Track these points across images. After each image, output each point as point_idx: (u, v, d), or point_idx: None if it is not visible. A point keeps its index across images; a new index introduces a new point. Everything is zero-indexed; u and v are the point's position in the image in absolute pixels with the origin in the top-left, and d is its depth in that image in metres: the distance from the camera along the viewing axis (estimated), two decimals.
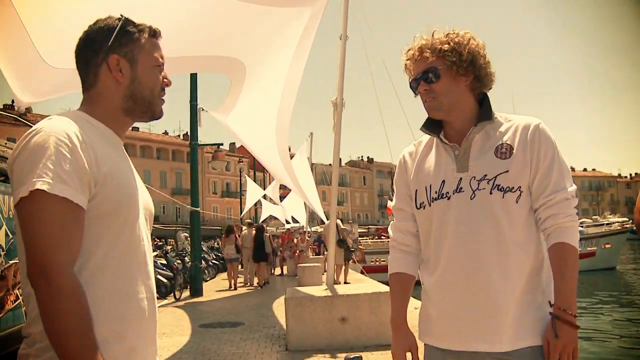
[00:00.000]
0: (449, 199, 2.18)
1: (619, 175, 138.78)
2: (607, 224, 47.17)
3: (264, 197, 34.73)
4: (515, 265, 2.09)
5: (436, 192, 2.22)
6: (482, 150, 2.19)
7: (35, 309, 1.58)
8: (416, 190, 2.31)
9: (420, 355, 2.34)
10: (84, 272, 1.61)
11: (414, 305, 9.76)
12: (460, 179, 2.17)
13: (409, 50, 2.31)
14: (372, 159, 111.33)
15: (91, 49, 1.86)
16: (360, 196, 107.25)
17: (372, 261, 31.53)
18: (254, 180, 37.13)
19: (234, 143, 77.02)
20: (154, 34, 1.95)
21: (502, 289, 2.07)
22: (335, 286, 8.27)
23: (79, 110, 1.86)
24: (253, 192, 33.44)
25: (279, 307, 11.89)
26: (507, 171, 2.12)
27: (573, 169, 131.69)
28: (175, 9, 5.06)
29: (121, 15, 1.90)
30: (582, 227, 47.75)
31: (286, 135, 10.91)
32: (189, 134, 16.62)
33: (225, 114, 10.45)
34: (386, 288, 7.59)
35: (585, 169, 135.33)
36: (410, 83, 2.33)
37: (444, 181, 2.19)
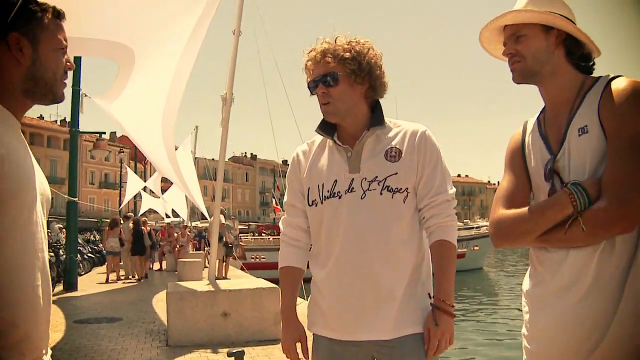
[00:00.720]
0: (340, 197, 2.28)
1: (489, 182, 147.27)
2: (477, 227, 50.02)
3: (144, 189, 33.84)
4: (400, 261, 2.26)
5: (328, 191, 2.32)
6: (372, 153, 2.32)
7: None
8: (309, 188, 2.40)
9: (309, 345, 2.44)
10: None
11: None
12: (352, 179, 2.28)
13: (311, 51, 2.37)
14: (256, 155, 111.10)
15: None
16: (242, 192, 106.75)
17: (252, 258, 31.60)
18: (135, 172, 36.06)
19: (114, 132, 74.20)
20: (58, 15, 1.87)
21: (387, 283, 2.24)
22: (218, 281, 8.22)
23: None
24: (133, 183, 32.51)
25: (158, 303, 11.66)
26: (396, 173, 2.27)
27: None
28: None
29: None
30: None
31: (172, 128, 10.69)
32: (66, 119, 15.90)
33: (109, 102, 10.08)
34: (268, 284, 7.66)
35: (459, 175, 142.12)
36: (308, 83, 2.39)
37: (336, 181, 2.29)
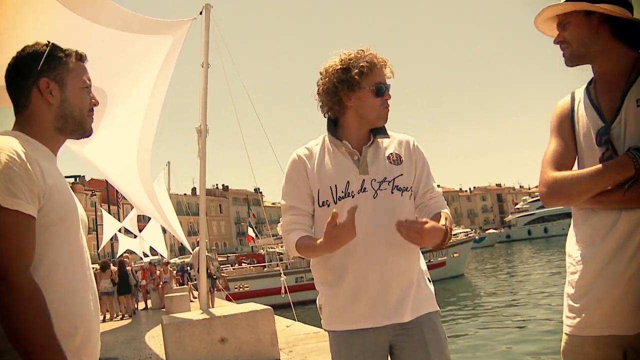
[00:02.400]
0: (353, 197, 2.49)
1: (460, 189, 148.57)
2: (454, 234, 50.39)
3: (120, 230, 33.63)
4: (411, 251, 2.55)
5: (342, 192, 2.51)
6: (376, 158, 2.58)
7: None
8: (319, 190, 2.56)
9: (328, 344, 2.63)
10: (35, 276, 1.72)
11: (285, 324, 9.97)
12: (363, 180, 2.51)
13: (382, 58, 2.60)
14: (227, 186, 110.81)
15: (21, 74, 1.98)
16: (217, 225, 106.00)
17: (236, 288, 31.49)
18: (109, 213, 35.83)
19: (83, 176, 73.57)
20: (81, 57, 2.10)
21: (407, 271, 2.53)
22: (211, 309, 8.29)
23: (14, 130, 1.97)
24: (109, 225, 32.32)
25: (151, 339, 11.65)
26: (402, 174, 2.56)
27: None
28: (34, 33, 4.94)
29: (48, 41, 2.02)
30: None
31: (148, 164, 10.80)
32: None
33: (82, 145, 10.15)
34: (260, 306, 7.75)
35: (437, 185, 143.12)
36: (381, 85, 2.57)
37: (348, 182, 2.50)
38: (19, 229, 1.71)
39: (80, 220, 2.01)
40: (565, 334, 2.30)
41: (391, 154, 2.61)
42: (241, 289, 31.58)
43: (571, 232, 2.36)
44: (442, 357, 2.51)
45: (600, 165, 2.14)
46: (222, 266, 32.84)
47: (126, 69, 7.79)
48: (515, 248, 69.86)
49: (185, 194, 65.14)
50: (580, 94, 2.39)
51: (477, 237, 46.79)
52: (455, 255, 38.59)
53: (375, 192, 2.51)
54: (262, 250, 43.07)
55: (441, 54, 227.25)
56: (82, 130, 2.09)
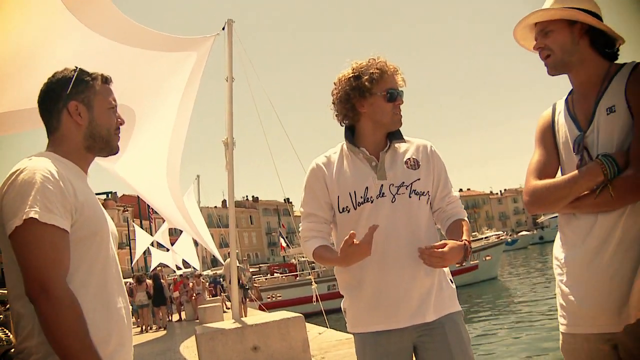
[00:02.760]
0: (372, 202, 2.56)
1: (491, 192, 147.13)
2: (485, 237, 50.02)
3: (152, 244, 34.01)
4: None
5: (361, 197, 2.59)
6: (393, 163, 2.65)
7: (27, 326, 1.86)
8: (338, 196, 2.64)
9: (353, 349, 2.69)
10: (70, 287, 1.86)
11: (317, 331, 10.03)
12: (382, 185, 2.57)
13: (392, 65, 2.68)
14: (257, 197, 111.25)
15: (52, 99, 2.15)
16: (248, 236, 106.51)
17: (269, 298, 31.65)
18: (141, 227, 36.28)
19: (115, 193, 74.62)
20: (106, 80, 2.26)
21: (428, 275, 2.57)
22: (243, 318, 8.42)
23: (47, 151, 2.14)
24: (142, 240, 32.71)
25: (186, 350, 11.81)
26: (419, 179, 2.62)
27: None
28: (63, 56, 5.11)
29: (76, 67, 2.19)
30: None
31: (177, 178, 10.98)
32: None
33: (113, 162, 10.39)
34: (292, 314, 7.85)
35: (461, 189, 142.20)
36: (393, 90, 2.65)
37: (367, 187, 2.56)
38: (56, 242, 1.85)
39: (110, 233, 2.14)
40: (561, 332, 2.42)
41: (409, 159, 2.67)
42: (274, 299, 31.75)
43: (558, 236, 2.50)
44: (465, 357, 2.54)
45: (574, 173, 2.29)
46: (254, 277, 33.06)
47: (153, 86, 7.97)
48: (548, 249, 68.29)
49: (215, 207, 65.53)
50: (560, 105, 2.53)
51: (509, 240, 46.49)
52: (487, 258, 38.23)
53: (394, 196, 2.57)
54: (293, 260, 43.11)
55: (472, 53, 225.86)
56: (110, 148, 2.25)
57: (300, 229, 2.76)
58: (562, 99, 2.55)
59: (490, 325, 19.84)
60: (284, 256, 59.54)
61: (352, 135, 2.74)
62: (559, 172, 2.48)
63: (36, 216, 1.82)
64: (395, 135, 2.70)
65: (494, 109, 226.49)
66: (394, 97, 2.63)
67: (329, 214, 2.69)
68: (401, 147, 2.71)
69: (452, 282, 2.71)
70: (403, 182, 2.60)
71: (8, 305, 12.99)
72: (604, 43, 2.38)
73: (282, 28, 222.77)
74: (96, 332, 1.89)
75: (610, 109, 2.26)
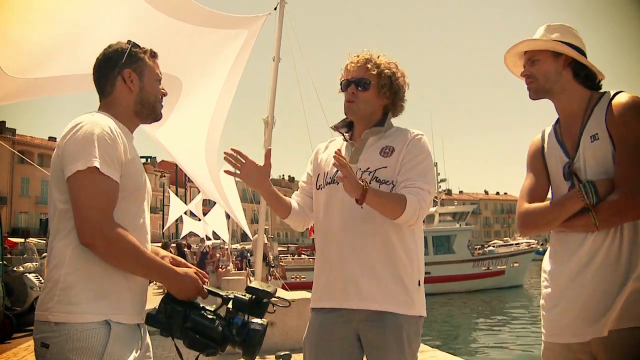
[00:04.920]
0: (337, 184, 2.65)
1: None
2: (516, 244, 49.55)
3: (186, 212, 34.54)
4: (386, 242, 2.64)
5: (330, 178, 2.76)
6: (371, 149, 2.74)
7: (57, 255, 2.12)
8: (318, 175, 2.87)
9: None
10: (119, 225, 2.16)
11: None
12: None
13: (356, 56, 2.80)
14: (294, 177, 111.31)
15: (108, 66, 2.42)
16: None
17: (293, 278, 31.90)
18: (176, 195, 36.83)
19: (154, 158, 75.71)
20: (154, 55, 2.54)
21: (372, 259, 2.62)
22: None
23: (100, 111, 2.38)
24: (176, 207, 33.17)
25: None
26: (385, 167, 2.68)
27: (486, 192, 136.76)
28: (113, 28, 5.33)
29: (129, 40, 2.48)
30: (493, 247, 49.79)
31: (216, 151, 11.17)
32: None
33: (155, 128, 10.62)
34: (310, 294, 8.05)
35: (497, 193, 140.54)
36: (342, 81, 2.82)
37: (337, 170, 2.56)
38: (112, 192, 2.13)
39: (146, 191, 2.42)
40: (543, 341, 2.58)
41: (385, 146, 2.72)
42: (298, 280, 32.02)
43: (548, 250, 2.66)
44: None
45: (560, 197, 2.51)
46: (281, 255, 33.37)
47: (202, 60, 8.15)
48: None
49: None
50: (548, 132, 2.71)
51: (540, 249, 46.17)
52: (515, 264, 37.90)
53: None
54: None
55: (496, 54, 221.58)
56: (154, 114, 2.53)
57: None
58: (549, 125, 2.73)
59: (505, 334, 19.78)
60: (312, 239, 59.80)
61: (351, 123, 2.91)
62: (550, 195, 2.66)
63: (98, 165, 2.07)
64: (377, 123, 2.77)
65: (542, 108, 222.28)
66: (342, 87, 2.80)
67: (311, 188, 2.93)
68: (388, 135, 2.77)
69: (419, 284, 2.68)
70: (368, 168, 2.68)
71: (44, 254, 13.50)
72: (585, 75, 2.56)
73: (334, 12, 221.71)
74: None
75: (594, 137, 2.43)
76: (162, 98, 2.54)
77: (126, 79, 2.40)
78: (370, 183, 2.60)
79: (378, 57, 2.78)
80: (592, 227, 2.35)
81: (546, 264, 2.62)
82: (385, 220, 2.58)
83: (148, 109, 2.48)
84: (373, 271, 2.60)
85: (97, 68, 2.44)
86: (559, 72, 2.56)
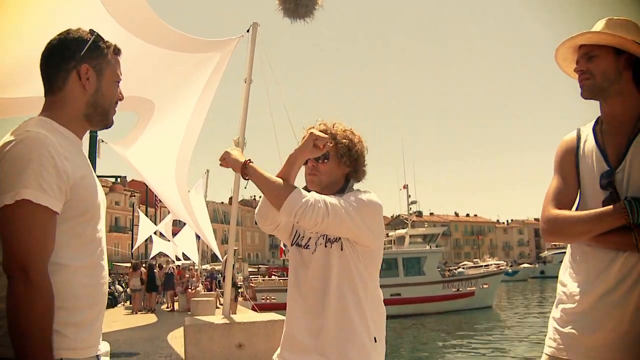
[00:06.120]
0: (307, 247, 2.72)
1: (498, 220, 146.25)
2: (485, 265, 50.04)
3: (155, 232, 34.23)
4: (341, 309, 2.60)
5: (298, 241, 2.79)
6: None
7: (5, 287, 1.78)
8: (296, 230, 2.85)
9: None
10: (56, 260, 1.87)
11: None
12: (310, 237, 2.72)
13: (310, 128, 2.71)
14: None
15: (63, 56, 2.05)
16: (251, 235, 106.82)
17: (263, 299, 31.83)
18: (146, 215, 36.50)
19: (124, 177, 74.85)
20: (117, 51, 2.21)
21: (323, 316, 2.59)
22: (232, 315, 8.64)
23: (42, 115, 2.05)
24: (145, 227, 32.89)
25: (173, 339, 12.06)
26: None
27: (457, 214, 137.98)
28: None
29: (92, 30, 2.13)
30: (463, 268, 50.24)
31: (186, 173, 11.19)
32: None
33: (125, 148, 10.63)
34: (279, 316, 8.03)
35: (467, 214, 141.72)
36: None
37: (304, 236, 2.74)
38: (45, 225, 1.81)
39: (100, 210, 2.11)
40: (546, 354, 2.42)
41: None
42: (268, 300, 31.90)
43: (566, 263, 2.47)
44: None
45: (598, 210, 2.23)
46: (251, 276, 33.23)
47: (175, 83, 8.18)
48: (548, 285, 68.35)
49: (222, 203, 65.72)
50: (586, 133, 2.45)
51: (510, 270, 46.58)
52: (484, 286, 38.19)
53: (315, 247, 2.66)
54: None
55: (488, 79, 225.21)
56: (106, 121, 2.19)
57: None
58: (586, 125, 2.49)
59: (475, 354, 19.93)
60: (283, 260, 59.69)
61: None
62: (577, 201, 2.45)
63: (30, 197, 1.76)
64: (341, 189, 2.75)
65: (510, 136, 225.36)
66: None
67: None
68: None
69: (375, 341, 2.60)
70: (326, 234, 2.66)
71: None
72: None
73: (305, 35, 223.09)
74: (78, 303, 1.92)
75: None
76: (117, 103, 2.21)
77: (82, 75, 2.05)
78: (325, 246, 2.63)
79: (333, 127, 2.75)
80: (632, 248, 2.14)
81: (566, 277, 2.45)
82: (331, 275, 2.59)
83: (100, 114, 2.14)
84: (326, 326, 2.57)
85: (49, 56, 2.07)
86: (620, 72, 2.29)
